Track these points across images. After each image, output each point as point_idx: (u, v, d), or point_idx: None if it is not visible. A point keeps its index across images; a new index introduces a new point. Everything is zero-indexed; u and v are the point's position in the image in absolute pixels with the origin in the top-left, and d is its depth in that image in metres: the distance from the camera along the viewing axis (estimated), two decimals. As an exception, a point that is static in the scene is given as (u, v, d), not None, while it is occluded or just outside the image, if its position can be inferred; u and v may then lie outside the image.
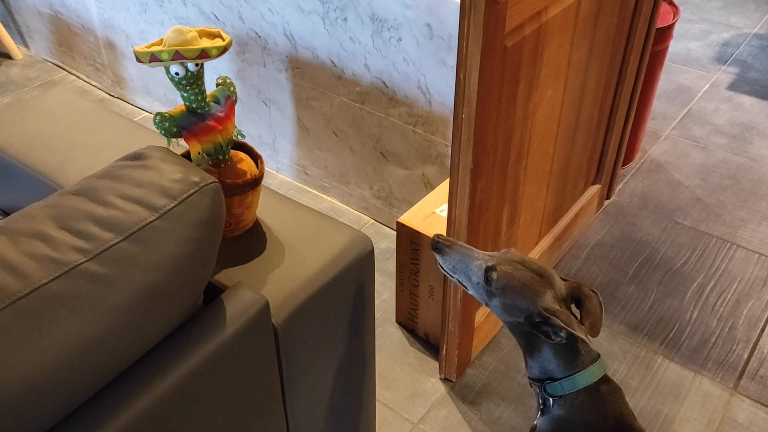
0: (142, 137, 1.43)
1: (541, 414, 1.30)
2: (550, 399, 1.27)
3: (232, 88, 1.18)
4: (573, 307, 1.27)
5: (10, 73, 3.22)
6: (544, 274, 1.24)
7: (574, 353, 1.23)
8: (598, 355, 1.26)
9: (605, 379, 1.26)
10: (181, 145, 1.17)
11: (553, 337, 1.20)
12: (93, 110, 1.52)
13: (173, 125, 1.12)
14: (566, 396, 1.25)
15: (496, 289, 1.23)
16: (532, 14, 1.49)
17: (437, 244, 1.30)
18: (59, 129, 1.46)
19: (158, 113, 1.11)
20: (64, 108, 1.53)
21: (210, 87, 1.13)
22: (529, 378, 1.32)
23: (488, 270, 1.24)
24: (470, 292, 1.30)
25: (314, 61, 2.21)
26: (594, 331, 1.23)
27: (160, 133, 1.12)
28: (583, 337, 1.19)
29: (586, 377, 1.24)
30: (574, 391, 1.24)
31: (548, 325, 1.20)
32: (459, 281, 1.31)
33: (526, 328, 1.24)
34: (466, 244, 1.31)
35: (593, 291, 1.26)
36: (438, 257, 1.32)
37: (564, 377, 1.24)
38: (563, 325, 1.17)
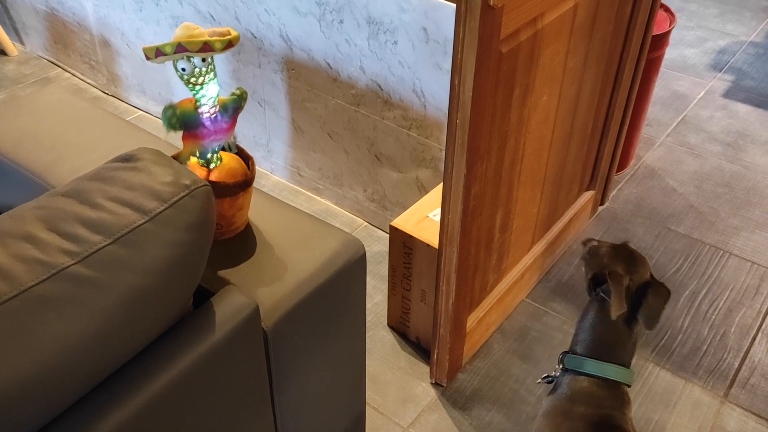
0: (134, 137, 1.43)
1: (551, 390, 1.39)
2: (560, 372, 1.36)
3: (243, 103, 1.17)
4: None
5: (5, 70, 3.20)
6: (633, 257, 1.38)
7: (603, 341, 1.32)
8: (626, 365, 1.32)
9: (616, 388, 1.31)
10: (176, 145, 1.16)
11: (596, 290, 1.34)
12: (86, 109, 1.52)
13: (179, 124, 1.11)
14: (572, 377, 1.32)
15: (589, 254, 1.43)
16: (528, 20, 1.49)
17: (584, 241, 1.52)
18: (52, 127, 1.45)
19: (170, 106, 1.10)
20: (57, 106, 1.52)
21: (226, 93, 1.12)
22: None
23: (592, 245, 1.45)
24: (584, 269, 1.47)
25: (310, 62, 2.21)
26: (648, 324, 1.32)
27: (164, 123, 1.11)
28: (617, 298, 1.27)
29: (595, 367, 1.30)
30: (577, 373, 1.31)
31: (600, 278, 1.32)
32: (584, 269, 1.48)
33: (588, 284, 1.38)
34: (601, 240, 1.49)
35: (667, 290, 1.35)
36: (583, 248, 1.52)
37: (580, 354, 1.33)
38: (606, 276, 1.30)
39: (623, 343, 1.31)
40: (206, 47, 1.06)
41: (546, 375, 1.41)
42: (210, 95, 1.12)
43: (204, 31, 1.07)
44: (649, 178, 2.70)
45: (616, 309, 1.26)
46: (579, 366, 1.31)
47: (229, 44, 1.08)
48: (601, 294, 1.32)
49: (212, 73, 1.11)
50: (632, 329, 1.33)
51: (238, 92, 1.17)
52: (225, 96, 1.16)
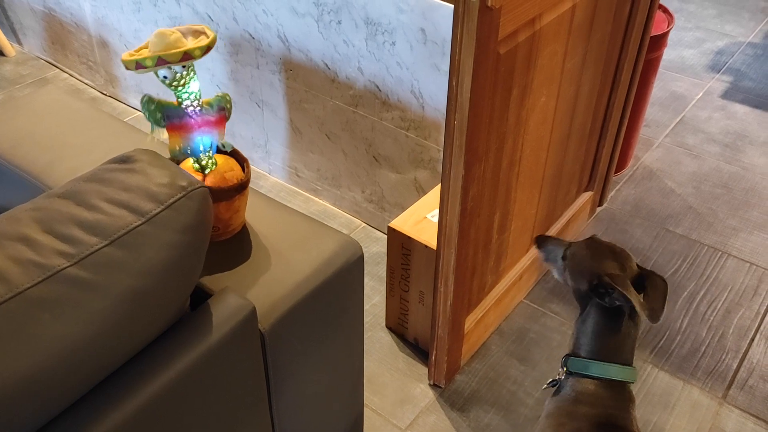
0: (131, 138, 1.43)
1: (554, 392, 1.37)
2: (564, 376, 1.34)
3: (228, 105, 1.18)
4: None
5: (3, 70, 3.20)
6: (618, 253, 1.33)
7: (607, 342, 1.30)
8: (629, 364, 1.30)
9: (620, 387, 1.30)
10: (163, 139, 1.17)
11: (607, 300, 1.27)
12: (83, 110, 1.51)
13: (159, 110, 1.12)
14: (576, 379, 1.31)
15: (568, 263, 1.36)
16: (526, 21, 1.48)
17: (537, 241, 1.46)
18: (49, 128, 1.45)
19: (147, 95, 1.11)
20: (55, 107, 1.52)
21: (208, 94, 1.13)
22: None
23: (565, 249, 1.39)
24: (556, 275, 1.42)
25: (308, 63, 2.20)
26: (653, 317, 1.29)
27: (144, 114, 1.12)
28: (635, 299, 1.23)
29: (599, 369, 1.28)
30: (582, 376, 1.30)
31: (602, 285, 1.27)
32: (551, 268, 1.43)
33: (588, 294, 1.32)
34: (559, 239, 1.45)
35: (662, 280, 1.31)
36: (537, 251, 1.46)
37: (584, 357, 1.31)
38: (613, 283, 1.24)
39: (625, 342, 1.30)
40: (186, 57, 1.07)
41: (551, 380, 1.39)
42: (191, 91, 1.12)
43: (180, 34, 1.08)
44: (648, 179, 2.70)
45: (642, 311, 1.24)
46: (584, 369, 1.30)
47: (207, 49, 1.09)
48: (616, 302, 1.27)
49: (192, 72, 1.12)
50: (631, 326, 1.31)
51: (220, 95, 1.18)
52: (206, 98, 1.17)
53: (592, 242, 1.37)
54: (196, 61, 1.09)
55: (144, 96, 1.11)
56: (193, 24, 1.12)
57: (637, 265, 1.34)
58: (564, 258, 1.38)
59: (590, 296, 1.31)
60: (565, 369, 1.34)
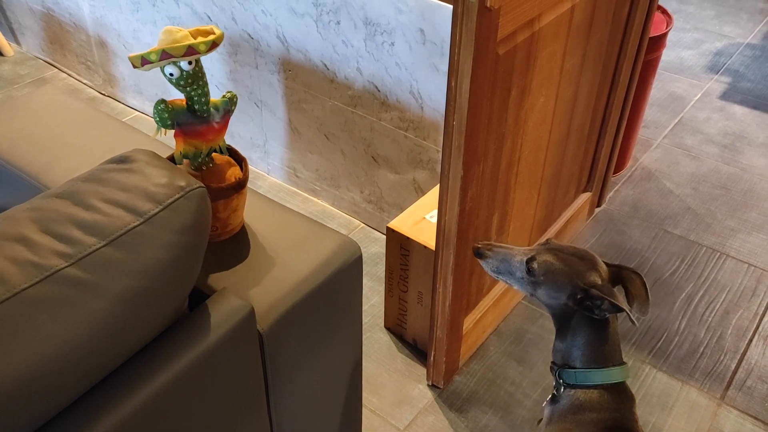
0: (130, 138, 1.42)
1: (551, 402, 1.33)
2: (562, 388, 1.29)
3: (233, 107, 1.17)
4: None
5: (1, 70, 3.19)
6: (586, 257, 1.27)
7: (600, 349, 1.26)
8: (624, 363, 1.28)
9: (621, 387, 1.27)
10: (170, 146, 1.16)
11: (597, 312, 1.22)
12: (82, 110, 1.51)
13: (171, 117, 1.11)
14: (577, 389, 1.27)
15: (539, 277, 1.27)
16: (525, 22, 1.48)
17: (478, 251, 1.35)
18: (47, 128, 1.44)
19: (163, 100, 1.10)
20: (53, 107, 1.51)
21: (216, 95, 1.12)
22: (552, 362, 1.34)
23: (529, 262, 1.27)
24: (516, 287, 1.33)
25: (306, 63, 2.20)
26: (643, 311, 1.25)
27: (155, 119, 1.11)
28: (627, 308, 1.19)
29: (602, 376, 1.26)
30: (585, 385, 1.26)
31: (590, 298, 1.21)
32: (505, 281, 1.34)
33: (570, 308, 1.26)
34: (505, 245, 1.35)
35: (635, 272, 1.27)
36: (481, 262, 1.36)
37: (581, 368, 1.27)
38: (603, 295, 1.19)
39: (615, 342, 1.28)
40: (191, 51, 1.06)
41: (551, 395, 1.35)
42: (201, 95, 1.12)
43: (187, 32, 1.07)
44: (646, 179, 2.70)
45: (633, 314, 1.21)
46: (586, 380, 1.27)
47: (213, 45, 1.08)
48: (606, 314, 1.23)
49: (201, 73, 1.11)
50: (616, 324, 1.29)
51: (229, 95, 1.17)
52: (216, 98, 1.17)
53: (557, 250, 1.27)
54: (202, 56, 1.08)
55: (159, 102, 1.11)
56: (201, 26, 1.11)
57: (605, 262, 1.29)
58: (531, 272, 1.27)
59: (574, 310, 1.25)
60: (562, 381, 1.30)
